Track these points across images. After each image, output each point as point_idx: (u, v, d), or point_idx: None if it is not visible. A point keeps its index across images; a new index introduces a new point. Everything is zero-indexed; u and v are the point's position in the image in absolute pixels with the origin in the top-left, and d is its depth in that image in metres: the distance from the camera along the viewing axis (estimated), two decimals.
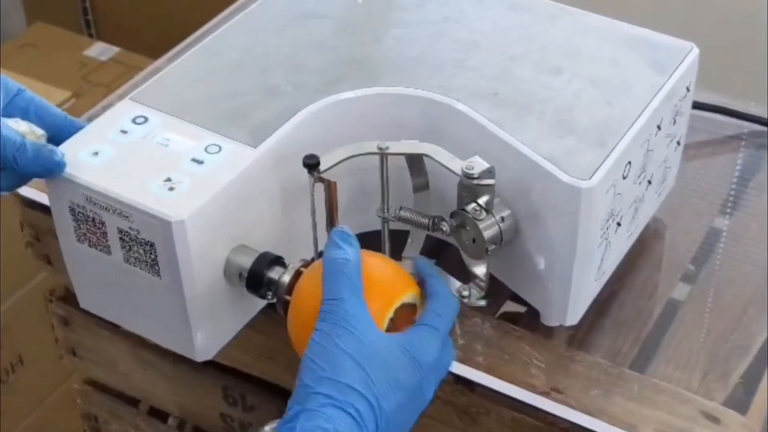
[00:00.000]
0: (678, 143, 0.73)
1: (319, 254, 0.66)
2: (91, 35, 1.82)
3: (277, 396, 0.79)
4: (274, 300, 0.61)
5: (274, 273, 0.60)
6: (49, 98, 1.26)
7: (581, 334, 0.69)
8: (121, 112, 0.65)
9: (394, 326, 0.57)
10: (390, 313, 0.56)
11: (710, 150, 0.85)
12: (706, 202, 0.80)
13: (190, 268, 0.59)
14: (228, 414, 0.83)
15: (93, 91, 1.53)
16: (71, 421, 1.37)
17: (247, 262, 0.61)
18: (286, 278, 0.60)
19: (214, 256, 0.60)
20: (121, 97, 0.85)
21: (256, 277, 0.61)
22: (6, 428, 1.31)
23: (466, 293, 0.64)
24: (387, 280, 0.58)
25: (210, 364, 0.64)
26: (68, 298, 0.83)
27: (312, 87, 0.66)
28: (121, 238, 0.60)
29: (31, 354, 1.31)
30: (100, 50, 1.63)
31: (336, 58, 0.70)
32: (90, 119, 0.82)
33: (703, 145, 0.85)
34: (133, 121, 0.64)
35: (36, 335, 1.30)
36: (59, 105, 1.27)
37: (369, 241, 0.69)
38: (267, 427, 0.78)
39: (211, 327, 0.62)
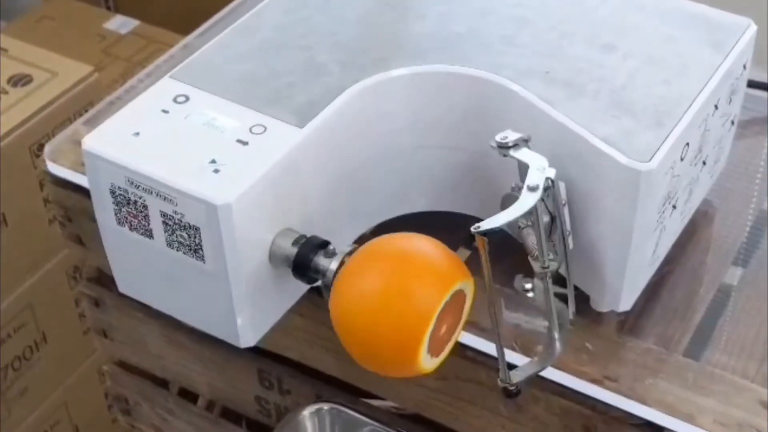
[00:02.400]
0: (732, 123, 0.71)
1: (359, 239, 0.64)
2: (108, 8, 1.79)
3: (315, 380, 0.77)
4: (321, 285, 0.59)
5: (321, 258, 0.59)
6: (71, 72, 1.25)
7: (631, 320, 0.67)
8: (160, 90, 0.63)
9: (443, 314, 0.55)
10: (446, 299, 0.54)
11: (756, 129, 0.83)
12: (754, 183, 0.78)
13: (236, 252, 0.57)
14: (263, 397, 0.81)
15: (114, 65, 1.51)
16: (95, 397, 1.37)
17: (293, 246, 0.59)
18: (334, 266, 0.58)
19: (260, 240, 0.59)
20: (149, 75, 0.83)
21: (303, 262, 0.59)
22: (31, 405, 1.30)
23: (529, 286, 0.62)
24: (440, 266, 0.56)
25: (246, 347, 0.63)
26: (100, 279, 0.82)
27: (357, 65, 0.64)
28: (164, 222, 0.58)
29: (55, 331, 1.30)
30: (119, 23, 1.61)
31: (380, 35, 0.67)
32: (122, 97, 0.81)
33: (749, 124, 0.83)
34: (174, 100, 0.62)
35: (59, 312, 1.29)
36: (83, 79, 1.25)
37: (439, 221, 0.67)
38: (306, 411, 0.77)
39: (255, 313, 0.61)
